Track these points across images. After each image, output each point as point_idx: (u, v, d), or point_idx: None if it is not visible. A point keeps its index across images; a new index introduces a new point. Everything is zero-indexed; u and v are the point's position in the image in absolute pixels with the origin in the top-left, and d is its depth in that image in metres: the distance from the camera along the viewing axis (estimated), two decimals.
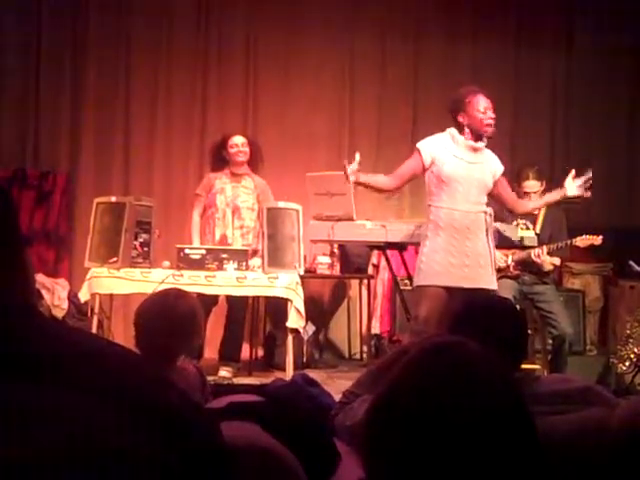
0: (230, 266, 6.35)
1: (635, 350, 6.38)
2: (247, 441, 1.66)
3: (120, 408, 0.95)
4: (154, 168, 8.42)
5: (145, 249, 6.50)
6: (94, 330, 6.29)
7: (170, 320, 3.23)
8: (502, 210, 5.83)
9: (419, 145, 5.40)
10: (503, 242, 5.96)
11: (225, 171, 6.87)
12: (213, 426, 1.08)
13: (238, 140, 6.83)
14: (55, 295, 7.22)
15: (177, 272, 6.26)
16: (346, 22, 8.62)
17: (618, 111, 8.84)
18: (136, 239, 6.45)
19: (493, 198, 5.52)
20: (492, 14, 8.75)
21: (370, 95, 8.71)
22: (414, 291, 5.52)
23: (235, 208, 6.79)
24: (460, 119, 5.32)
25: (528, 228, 6.42)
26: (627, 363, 6.38)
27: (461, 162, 5.31)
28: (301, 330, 6.37)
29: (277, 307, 6.95)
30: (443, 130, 5.44)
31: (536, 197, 6.42)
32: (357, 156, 5.28)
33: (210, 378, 4.88)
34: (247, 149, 6.84)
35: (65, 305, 7.24)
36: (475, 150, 5.34)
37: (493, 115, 5.30)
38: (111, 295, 6.60)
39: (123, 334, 6.94)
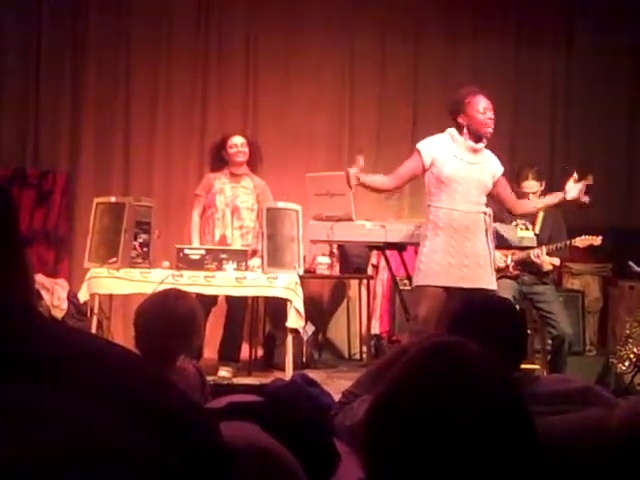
0: (229, 266, 6.35)
1: (634, 350, 6.38)
2: (247, 441, 1.66)
3: (120, 408, 0.95)
4: (154, 168, 8.42)
5: (145, 249, 6.50)
6: (93, 330, 6.29)
7: (170, 320, 3.23)
8: (501, 211, 5.83)
9: (419, 146, 5.41)
10: (501, 243, 5.96)
11: (224, 171, 6.87)
12: (213, 426, 1.08)
13: (237, 140, 6.83)
14: (55, 295, 7.21)
15: (176, 272, 6.26)
16: (346, 22, 8.62)
17: (618, 111, 8.84)
18: (136, 239, 6.45)
19: (492, 198, 5.52)
20: (492, 14, 8.76)
21: (370, 95, 8.71)
22: (413, 291, 5.52)
23: (234, 208, 6.79)
24: (460, 120, 5.32)
25: (527, 228, 6.42)
26: (626, 363, 6.38)
27: (461, 163, 5.31)
28: (301, 330, 6.37)
29: (276, 307, 6.95)
30: (443, 130, 5.44)
31: (535, 197, 6.43)
32: (361, 160, 5.28)
33: (210, 378, 4.88)
34: (246, 149, 6.84)
35: (64, 305, 7.24)
36: (475, 151, 5.35)
37: (492, 116, 5.31)
38: (110, 295, 6.60)
39: (123, 334, 6.95)
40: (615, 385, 6.31)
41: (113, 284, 6.32)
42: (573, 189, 5.61)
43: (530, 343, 6.40)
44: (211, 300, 6.43)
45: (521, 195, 6.35)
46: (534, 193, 6.43)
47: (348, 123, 8.71)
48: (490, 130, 5.32)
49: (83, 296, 6.39)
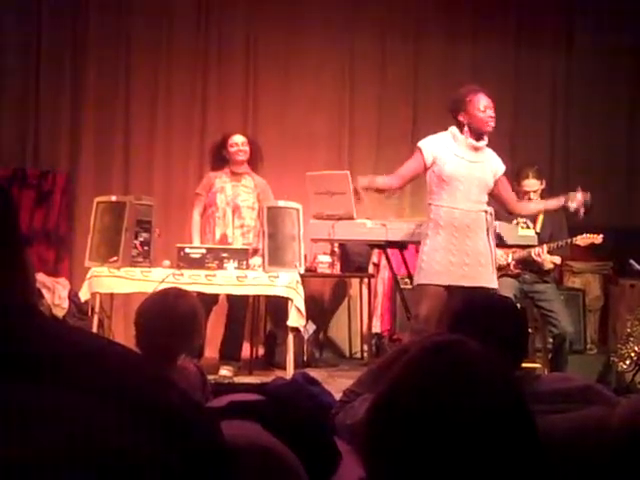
0: (230, 265, 6.35)
1: (635, 349, 6.38)
2: (248, 440, 1.66)
3: (121, 408, 0.95)
4: (154, 168, 8.42)
5: (145, 248, 6.50)
6: (94, 329, 6.29)
7: (170, 319, 3.23)
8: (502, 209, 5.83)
9: (420, 144, 5.40)
10: (500, 242, 5.96)
11: (225, 170, 6.87)
12: (214, 425, 1.08)
13: (238, 139, 6.84)
14: (56, 294, 7.22)
15: (177, 271, 6.26)
16: (346, 22, 8.62)
17: (618, 111, 8.84)
18: (136, 238, 6.45)
19: (493, 198, 5.52)
20: (492, 14, 8.75)
21: (370, 95, 8.71)
22: (414, 290, 5.52)
23: (235, 207, 6.80)
24: (460, 118, 5.32)
25: (528, 227, 6.42)
26: (627, 362, 6.38)
27: (462, 161, 5.31)
28: (301, 329, 6.37)
29: (277, 306, 6.95)
30: (443, 130, 5.44)
31: (536, 196, 6.43)
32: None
33: (211, 377, 4.88)
34: (247, 148, 6.84)
35: (66, 304, 7.25)
36: (476, 149, 5.35)
37: (493, 114, 5.31)
38: (111, 294, 6.60)
39: (123, 333, 6.94)
40: (616, 384, 6.31)
41: (114, 283, 6.32)
42: (575, 202, 5.62)
43: (531, 342, 6.40)
44: (212, 299, 6.43)
45: (522, 194, 6.36)
46: (534, 192, 6.43)
47: (348, 123, 8.71)
48: (491, 127, 5.31)
49: (84, 295, 6.39)
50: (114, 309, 6.94)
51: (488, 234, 5.35)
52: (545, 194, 6.62)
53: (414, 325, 5.36)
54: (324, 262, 7.36)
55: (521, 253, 6.37)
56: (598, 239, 6.28)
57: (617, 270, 8.10)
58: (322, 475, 1.94)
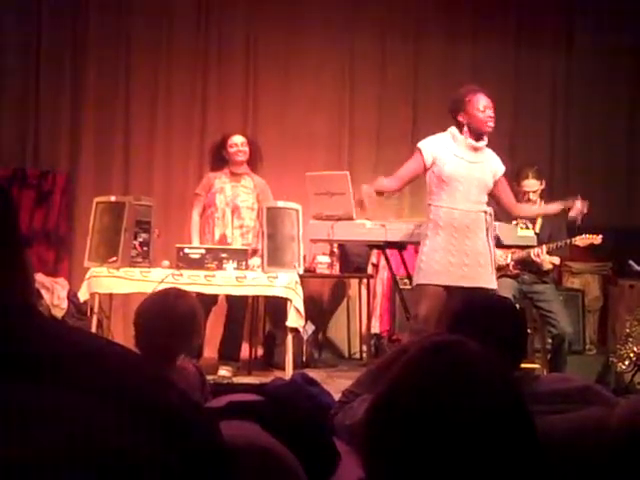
0: (230, 265, 6.35)
1: (634, 349, 6.38)
2: (247, 440, 1.66)
3: (120, 408, 0.95)
4: (154, 168, 8.42)
5: (145, 249, 6.50)
6: (93, 330, 6.29)
7: (170, 320, 3.23)
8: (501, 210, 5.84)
9: (420, 145, 5.40)
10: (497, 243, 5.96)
11: (225, 171, 6.87)
12: (213, 426, 1.08)
13: (238, 140, 6.84)
14: (55, 294, 7.22)
15: (177, 272, 6.26)
16: (346, 22, 8.61)
17: (618, 111, 8.83)
18: (136, 239, 6.45)
19: (492, 198, 5.52)
20: (492, 14, 8.75)
21: (370, 95, 8.71)
22: (414, 290, 5.52)
23: (235, 207, 6.79)
24: (460, 118, 5.32)
25: (528, 227, 6.42)
26: (626, 362, 6.38)
27: (461, 161, 5.31)
28: (301, 329, 6.37)
29: (277, 306, 6.95)
30: (443, 130, 5.44)
31: (536, 196, 6.44)
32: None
33: (210, 377, 4.88)
34: (247, 148, 6.84)
35: (65, 305, 7.24)
36: (476, 149, 5.34)
37: (492, 114, 5.30)
38: (110, 295, 6.60)
39: (123, 334, 6.95)
40: (615, 384, 6.31)
41: (113, 283, 6.32)
42: (575, 211, 5.63)
43: (530, 342, 6.41)
44: (211, 299, 6.43)
45: (521, 194, 6.37)
46: (534, 192, 6.44)
47: (348, 123, 8.71)
48: (490, 127, 5.31)
49: (83, 295, 6.39)
50: (113, 309, 6.94)
51: (487, 234, 5.35)
52: (545, 194, 6.63)
53: (413, 325, 5.36)
54: (323, 263, 7.36)
55: (520, 254, 6.37)
56: (597, 239, 6.27)
57: (616, 271, 8.10)
58: (321, 475, 1.94)
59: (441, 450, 1.22)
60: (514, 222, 6.32)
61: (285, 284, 6.25)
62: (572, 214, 5.60)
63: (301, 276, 6.44)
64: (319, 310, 7.93)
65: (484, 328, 2.41)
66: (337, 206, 6.24)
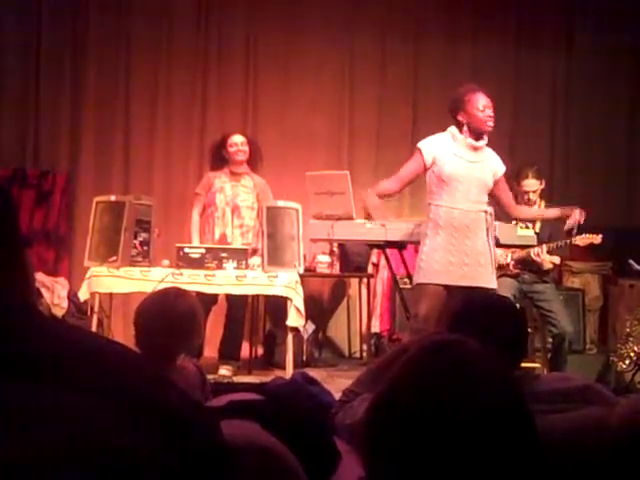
0: (230, 265, 6.35)
1: (635, 348, 6.38)
2: (247, 440, 1.66)
3: (120, 408, 0.95)
4: (154, 168, 8.42)
5: (145, 248, 6.50)
6: (94, 329, 6.29)
7: (170, 319, 3.23)
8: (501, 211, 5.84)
9: (420, 145, 5.40)
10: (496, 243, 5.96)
11: (225, 170, 6.88)
12: (213, 425, 1.08)
13: (237, 139, 6.84)
14: (55, 294, 7.22)
15: (177, 271, 6.26)
16: (346, 22, 8.61)
17: (618, 111, 8.83)
18: (136, 238, 6.46)
19: (492, 199, 5.51)
20: (492, 14, 8.75)
21: (370, 95, 8.71)
22: (414, 289, 5.52)
23: (235, 207, 6.80)
24: (460, 118, 5.31)
25: (527, 227, 6.41)
26: (627, 361, 6.38)
27: (461, 161, 5.30)
28: (301, 329, 6.37)
29: (277, 306, 6.95)
30: (443, 130, 5.44)
31: (535, 196, 6.44)
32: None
33: (210, 377, 4.88)
34: (246, 148, 6.84)
35: (65, 304, 7.25)
36: (475, 149, 5.34)
37: (492, 113, 5.30)
38: (111, 294, 6.60)
39: (123, 333, 6.95)
40: (615, 383, 6.31)
41: (113, 283, 6.32)
42: (572, 220, 5.65)
43: (530, 341, 6.41)
44: (211, 299, 6.44)
45: (521, 194, 6.37)
46: (534, 192, 6.44)
47: (348, 123, 8.71)
48: (490, 126, 5.31)
49: (83, 295, 6.40)
50: (113, 309, 6.94)
51: (488, 234, 5.35)
52: (545, 194, 6.63)
53: (413, 324, 5.36)
54: (323, 262, 7.37)
55: (520, 253, 6.38)
56: (597, 239, 6.27)
57: (616, 270, 8.10)
58: (321, 475, 1.94)
59: (441, 449, 1.22)
60: (514, 222, 6.32)
61: (285, 283, 6.25)
62: (569, 224, 5.60)
63: (301, 275, 6.44)
64: (319, 309, 7.93)
65: (484, 327, 2.41)
66: (337, 205, 6.24)
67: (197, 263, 6.35)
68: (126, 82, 8.41)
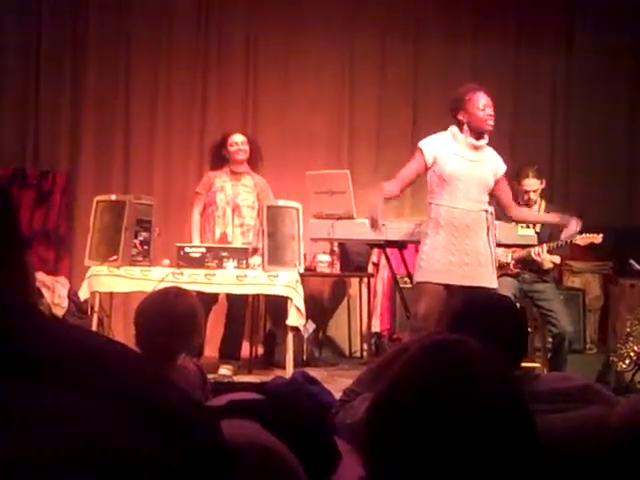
0: (230, 264, 6.35)
1: (635, 348, 6.38)
2: (247, 439, 1.66)
3: (120, 407, 0.95)
4: (154, 168, 8.43)
5: (145, 247, 6.50)
6: (94, 328, 6.29)
7: (170, 319, 3.23)
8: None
9: (421, 144, 5.39)
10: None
11: (225, 169, 6.88)
12: (213, 425, 1.08)
13: (238, 138, 6.84)
14: (55, 293, 7.22)
15: (177, 270, 6.26)
16: (346, 22, 8.62)
17: (618, 111, 8.84)
18: (136, 237, 6.46)
19: (492, 198, 5.51)
20: (492, 14, 8.75)
21: (370, 95, 8.71)
22: (414, 288, 5.52)
23: (235, 206, 6.79)
24: (460, 117, 5.31)
25: (528, 227, 6.42)
26: (627, 361, 6.38)
27: (462, 160, 5.30)
28: (301, 328, 6.37)
29: (277, 305, 6.95)
30: (443, 130, 5.43)
31: (536, 196, 6.45)
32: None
33: (210, 376, 4.88)
34: (247, 147, 6.85)
35: (65, 303, 7.25)
36: (476, 148, 5.34)
37: (492, 112, 5.29)
38: (111, 293, 6.60)
39: (123, 332, 6.95)
40: (615, 383, 6.31)
41: (113, 282, 6.32)
42: (568, 231, 5.67)
43: (530, 341, 6.41)
44: (212, 298, 6.43)
45: (522, 193, 6.37)
46: (534, 191, 6.44)
47: (348, 123, 8.71)
48: (490, 125, 5.30)
49: (83, 294, 6.39)
50: (114, 308, 6.94)
51: (488, 234, 5.34)
52: (545, 194, 6.63)
53: (413, 323, 5.36)
54: (324, 261, 7.37)
55: (521, 253, 6.37)
56: (598, 239, 6.27)
57: (617, 270, 8.10)
58: (322, 474, 1.94)
59: (441, 449, 1.22)
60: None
61: (285, 283, 6.25)
62: (565, 235, 5.60)
63: (301, 275, 6.44)
64: (320, 309, 7.93)
65: (484, 327, 2.41)
66: (337, 205, 6.25)
67: (197, 262, 6.35)
68: (126, 82, 8.42)
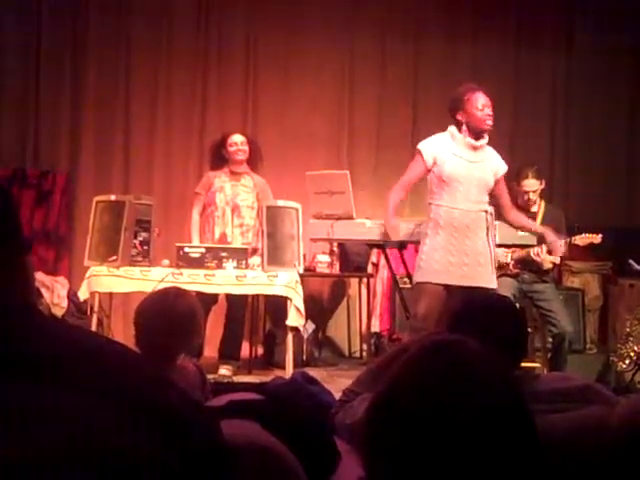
0: (229, 264, 6.35)
1: (635, 348, 6.38)
2: (247, 439, 1.66)
3: (120, 408, 0.95)
4: (154, 168, 8.42)
5: (145, 248, 6.50)
6: (94, 329, 6.28)
7: (170, 319, 3.22)
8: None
9: (420, 146, 5.39)
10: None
11: (224, 170, 6.87)
12: (213, 425, 1.08)
13: (237, 139, 6.84)
14: (55, 293, 7.22)
15: (177, 271, 6.26)
16: (346, 22, 8.61)
17: (618, 111, 8.84)
18: (136, 237, 6.45)
19: (492, 198, 5.51)
20: (492, 14, 8.75)
21: (370, 95, 8.71)
22: (413, 288, 5.52)
23: (235, 206, 6.79)
24: (459, 117, 5.32)
25: None
26: (627, 361, 6.38)
27: (461, 161, 5.30)
28: (301, 328, 6.37)
29: (277, 305, 6.95)
30: (443, 130, 5.44)
31: (535, 196, 6.44)
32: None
33: (210, 376, 4.88)
34: (246, 147, 6.84)
35: (65, 304, 7.25)
36: (475, 148, 5.34)
37: (491, 112, 5.29)
38: (110, 294, 6.60)
39: (123, 333, 6.95)
40: (615, 383, 6.31)
41: (113, 282, 6.32)
42: (555, 253, 5.69)
43: (530, 341, 6.41)
44: (211, 298, 6.43)
45: (521, 193, 6.37)
46: (534, 192, 6.43)
47: (348, 123, 8.71)
48: (489, 125, 5.30)
49: (83, 294, 6.39)
50: (113, 308, 6.94)
51: (488, 234, 5.35)
52: (545, 194, 6.63)
53: (413, 323, 5.37)
54: (323, 262, 7.37)
55: (520, 253, 6.37)
56: (597, 239, 6.27)
57: (616, 270, 8.10)
58: (321, 474, 1.94)
59: (441, 449, 1.22)
60: None
61: (285, 283, 6.25)
62: (553, 256, 5.65)
63: (301, 275, 6.44)
64: (319, 309, 7.93)
65: (484, 327, 2.41)
66: (337, 205, 6.25)
67: (197, 263, 6.34)
68: (126, 82, 8.41)
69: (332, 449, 2.09)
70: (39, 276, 7.02)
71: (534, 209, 6.45)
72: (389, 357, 2.69)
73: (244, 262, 6.40)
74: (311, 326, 6.63)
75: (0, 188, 1.12)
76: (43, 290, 7.08)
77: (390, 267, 6.67)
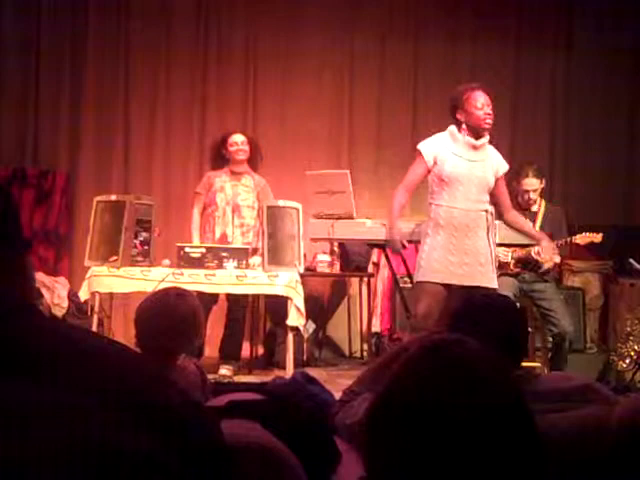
0: (230, 264, 6.35)
1: (635, 348, 6.38)
2: (247, 439, 1.66)
3: (120, 408, 0.95)
4: (154, 168, 8.42)
5: (145, 247, 6.50)
6: (94, 329, 6.27)
7: (170, 319, 3.23)
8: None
9: (420, 147, 5.38)
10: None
11: (225, 169, 6.87)
12: (213, 425, 1.08)
13: (238, 138, 6.84)
14: (55, 294, 7.22)
15: (177, 270, 6.25)
16: (346, 22, 8.61)
17: (618, 111, 8.84)
18: (136, 237, 6.45)
19: (491, 198, 5.50)
20: (492, 14, 8.75)
21: (370, 95, 8.71)
22: (414, 288, 5.52)
23: (235, 206, 6.79)
24: (458, 116, 5.30)
25: None
26: (627, 361, 6.38)
27: (461, 160, 5.30)
28: (301, 328, 6.37)
29: (277, 305, 6.94)
30: (443, 130, 5.43)
31: (535, 195, 6.43)
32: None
33: (210, 376, 4.87)
34: (247, 147, 6.84)
35: (65, 304, 7.25)
36: (475, 147, 5.32)
37: (490, 111, 5.28)
38: (111, 294, 6.59)
39: (123, 333, 6.96)
40: (616, 382, 6.31)
41: (113, 282, 6.31)
42: (546, 264, 5.72)
43: (531, 341, 6.40)
44: (212, 298, 6.43)
45: (521, 193, 6.37)
46: (534, 191, 6.43)
47: (348, 123, 8.71)
48: (489, 124, 5.29)
49: (84, 294, 6.39)
50: (114, 308, 6.94)
51: (488, 233, 5.34)
52: (545, 193, 6.63)
53: (413, 323, 5.36)
54: (324, 261, 7.37)
55: (521, 252, 6.37)
56: (598, 238, 6.27)
57: (617, 269, 8.10)
58: (322, 474, 1.94)
59: (441, 449, 1.22)
60: None
61: (285, 283, 6.24)
62: (543, 267, 5.67)
63: (302, 275, 6.43)
64: (320, 309, 7.93)
65: (484, 327, 2.41)
66: (337, 205, 6.24)
67: (197, 263, 6.34)
68: (126, 82, 8.41)
69: (332, 449, 2.09)
70: (39, 276, 7.02)
71: (534, 208, 6.45)
72: (389, 357, 2.70)
73: (244, 262, 6.40)
74: (311, 326, 6.64)
75: (0, 188, 1.12)
76: (43, 290, 7.08)
77: (391, 267, 6.67)
